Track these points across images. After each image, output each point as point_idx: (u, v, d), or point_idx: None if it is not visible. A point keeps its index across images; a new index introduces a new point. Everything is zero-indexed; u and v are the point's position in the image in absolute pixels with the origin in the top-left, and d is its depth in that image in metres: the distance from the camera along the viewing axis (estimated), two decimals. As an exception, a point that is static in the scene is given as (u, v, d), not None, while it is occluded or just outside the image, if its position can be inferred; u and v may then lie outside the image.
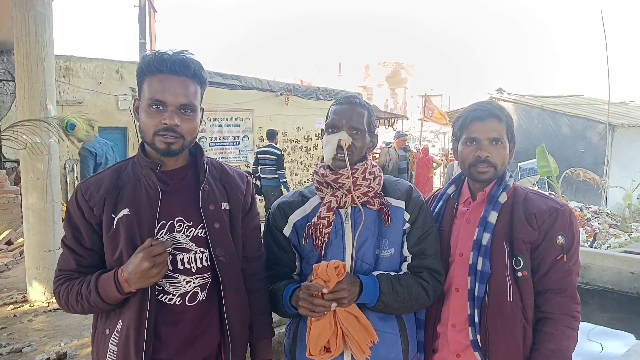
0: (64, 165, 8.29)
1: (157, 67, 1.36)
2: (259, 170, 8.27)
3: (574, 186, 11.97)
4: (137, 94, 1.45)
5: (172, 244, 1.40)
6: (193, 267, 1.43)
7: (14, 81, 4.83)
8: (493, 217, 1.60)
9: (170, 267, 1.39)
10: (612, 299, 4.09)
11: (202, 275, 1.45)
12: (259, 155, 8.36)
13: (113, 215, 1.39)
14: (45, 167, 4.69)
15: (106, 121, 8.85)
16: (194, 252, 1.43)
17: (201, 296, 1.45)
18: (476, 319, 1.57)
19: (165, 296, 1.41)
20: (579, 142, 12.87)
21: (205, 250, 1.45)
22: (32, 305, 4.68)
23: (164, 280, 1.40)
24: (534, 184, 10.09)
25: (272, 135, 8.53)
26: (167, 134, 1.36)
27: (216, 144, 10.44)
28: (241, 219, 1.55)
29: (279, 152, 8.29)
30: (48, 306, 4.55)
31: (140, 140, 1.45)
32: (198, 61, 1.43)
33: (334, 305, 1.44)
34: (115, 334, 1.39)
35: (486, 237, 1.58)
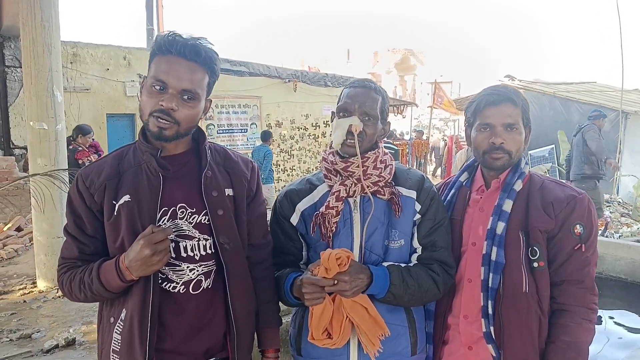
0: (73, 152, 8.30)
1: (168, 48, 1.32)
2: None
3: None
4: (145, 80, 1.40)
5: (174, 231, 1.37)
6: (196, 255, 1.40)
7: (22, 67, 4.81)
8: (508, 205, 1.55)
9: (173, 255, 1.36)
10: (626, 289, 4.03)
11: (205, 263, 1.41)
12: None
13: (114, 202, 1.36)
14: (52, 154, 4.69)
15: (113, 108, 8.86)
16: (197, 239, 1.40)
17: (205, 284, 1.42)
18: (490, 311, 1.53)
19: (169, 284, 1.38)
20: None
21: (209, 238, 1.41)
22: (41, 291, 4.72)
23: (167, 267, 1.36)
24: (545, 172, 9.98)
25: (390, 134, 11.59)
26: (161, 116, 1.31)
27: (224, 131, 10.40)
28: (246, 205, 1.51)
29: (396, 148, 10.97)
30: (57, 292, 4.58)
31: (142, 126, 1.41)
32: (213, 50, 1.38)
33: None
34: (119, 323, 1.36)
35: (501, 226, 1.53)
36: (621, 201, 10.36)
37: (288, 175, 11.81)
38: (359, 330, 1.45)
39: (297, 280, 1.50)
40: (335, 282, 1.41)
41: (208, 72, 1.38)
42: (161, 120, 1.32)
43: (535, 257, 1.50)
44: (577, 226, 1.50)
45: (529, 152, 11.52)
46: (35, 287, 4.82)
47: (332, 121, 1.63)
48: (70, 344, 3.41)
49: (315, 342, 1.45)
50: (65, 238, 1.44)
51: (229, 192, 1.46)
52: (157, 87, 1.32)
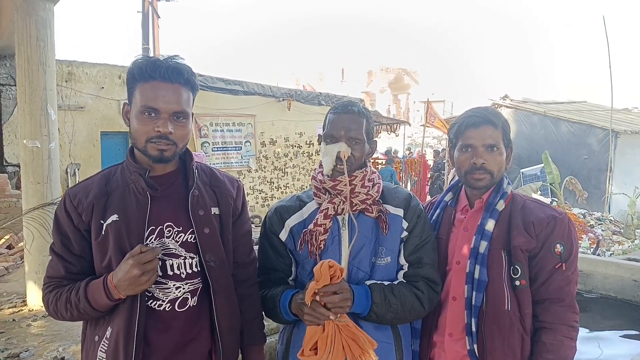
0: (66, 169, 8.30)
1: (150, 74, 1.35)
2: (442, 173, 13.91)
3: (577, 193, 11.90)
4: (127, 106, 1.43)
5: (162, 250, 1.38)
6: (182, 273, 1.42)
7: (17, 86, 4.84)
8: (490, 225, 1.58)
9: (160, 273, 1.38)
10: (615, 307, 4.04)
11: (192, 281, 1.43)
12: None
13: (102, 222, 1.37)
14: (45, 172, 4.69)
15: (108, 126, 8.87)
16: (183, 257, 1.42)
17: (191, 302, 1.43)
18: (473, 328, 1.55)
19: (155, 302, 1.40)
20: (582, 148, 12.79)
21: (195, 256, 1.43)
22: (31, 309, 4.67)
23: (153, 286, 1.38)
24: (536, 190, 10.04)
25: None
26: (160, 141, 1.36)
27: (218, 149, 10.42)
28: (232, 224, 1.53)
29: None
30: (47, 311, 4.53)
31: (130, 145, 1.44)
32: (189, 67, 1.42)
33: (332, 316, 1.42)
34: (104, 341, 1.37)
35: (483, 245, 1.56)
36: (613, 219, 10.42)
37: (282, 192, 11.81)
38: (349, 347, 1.45)
39: (296, 297, 1.51)
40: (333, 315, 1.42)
41: (190, 89, 1.43)
42: (161, 144, 1.36)
43: (517, 276, 1.53)
44: (558, 245, 1.53)
45: (521, 170, 11.58)
46: (26, 305, 4.77)
47: (319, 143, 1.66)
48: (59, 363, 3.37)
49: (303, 358, 1.46)
50: (50, 257, 1.45)
51: (215, 210, 1.48)
52: (148, 114, 1.36)
